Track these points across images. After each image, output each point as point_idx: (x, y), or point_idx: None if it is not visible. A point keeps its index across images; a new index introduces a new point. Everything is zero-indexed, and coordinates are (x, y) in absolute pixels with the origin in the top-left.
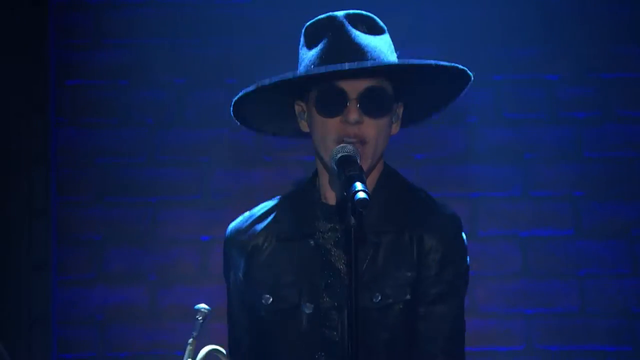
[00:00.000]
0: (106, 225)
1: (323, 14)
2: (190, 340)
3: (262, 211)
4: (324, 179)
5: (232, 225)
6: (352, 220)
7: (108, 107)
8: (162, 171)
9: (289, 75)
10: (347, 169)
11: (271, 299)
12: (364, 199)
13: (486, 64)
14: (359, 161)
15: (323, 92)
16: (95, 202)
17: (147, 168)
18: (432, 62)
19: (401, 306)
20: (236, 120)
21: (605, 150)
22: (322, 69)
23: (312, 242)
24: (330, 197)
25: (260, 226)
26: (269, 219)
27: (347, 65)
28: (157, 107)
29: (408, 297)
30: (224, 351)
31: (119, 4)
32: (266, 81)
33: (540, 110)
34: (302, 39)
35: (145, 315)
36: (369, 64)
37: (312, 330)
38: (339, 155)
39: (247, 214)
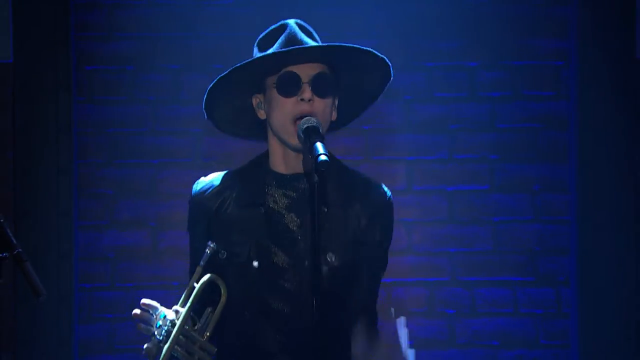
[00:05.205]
0: (116, 182)
1: (292, 12)
2: (198, 268)
3: (221, 180)
4: (275, 152)
5: (197, 189)
6: (316, 178)
7: (118, 88)
8: (161, 139)
9: (252, 59)
10: (312, 137)
11: (226, 254)
12: (326, 160)
13: (420, 53)
14: (321, 130)
15: (282, 77)
16: (108, 163)
17: (150, 137)
18: (367, 48)
19: (347, 264)
20: (207, 119)
21: (514, 123)
22: (279, 49)
23: (262, 209)
24: (280, 167)
25: (220, 194)
26: (228, 188)
27: (301, 49)
28: (158, 87)
29: (353, 258)
30: (222, 281)
31: (127, 4)
32: (228, 70)
33: (463, 90)
34: (254, 49)
35: (148, 254)
36: (316, 45)
37: (267, 282)
38: (305, 126)
39: (208, 181)
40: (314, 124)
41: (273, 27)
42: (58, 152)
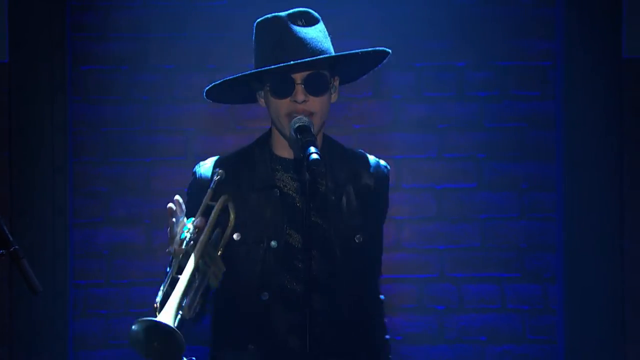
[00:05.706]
0: (111, 180)
1: (281, 11)
2: (209, 190)
3: (226, 166)
4: (277, 137)
5: (201, 172)
6: (307, 176)
7: (112, 87)
8: (154, 138)
9: (247, 72)
10: (303, 136)
11: (240, 236)
12: (317, 159)
13: (409, 53)
14: (312, 129)
15: (275, 80)
16: (102, 162)
17: (143, 135)
18: (358, 50)
19: (360, 239)
20: (206, 98)
21: (502, 122)
22: (272, 66)
23: (277, 191)
24: (284, 151)
25: (226, 180)
26: (235, 173)
27: (291, 62)
28: (151, 87)
29: (365, 232)
30: (232, 204)
31: (122, 5)
32: (230, 77)
33: (451, 90)
34: (254, 32)
35: (142, 251)
36: (307, 59)
37: (281, 261)
38: (296, 125)
39: (211, 165)
40: (305, 123)
41: (269, 16)
42: (53, 150)
